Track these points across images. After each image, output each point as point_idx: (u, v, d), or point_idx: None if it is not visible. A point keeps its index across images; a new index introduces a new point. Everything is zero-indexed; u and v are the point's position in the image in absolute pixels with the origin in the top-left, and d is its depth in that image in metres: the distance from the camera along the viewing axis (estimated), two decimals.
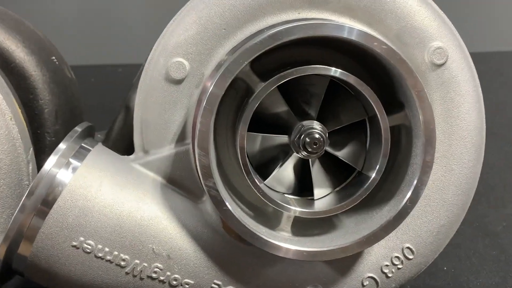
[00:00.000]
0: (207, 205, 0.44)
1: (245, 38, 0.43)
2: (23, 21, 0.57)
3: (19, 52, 0.52)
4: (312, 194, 0.45)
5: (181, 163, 0.44)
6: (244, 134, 0.40)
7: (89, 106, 0.59)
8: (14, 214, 0.39)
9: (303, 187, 0.46)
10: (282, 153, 0.45)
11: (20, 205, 0.40)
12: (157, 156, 0.45)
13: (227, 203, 0.40)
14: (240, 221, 0.40)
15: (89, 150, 0.44)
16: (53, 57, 0.56)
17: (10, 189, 0.43)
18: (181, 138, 0.45)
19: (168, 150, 0.45)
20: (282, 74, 0.40)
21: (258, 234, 0.40)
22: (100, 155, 0.44)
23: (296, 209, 0.42)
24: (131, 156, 0.45)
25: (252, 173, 0.41)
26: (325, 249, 0.40)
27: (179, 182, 0.44)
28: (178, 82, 0.44)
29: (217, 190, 0.40)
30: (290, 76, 0.40)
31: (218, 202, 0.40)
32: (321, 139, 0.41)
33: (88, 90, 0.62)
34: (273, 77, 0.40)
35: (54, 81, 0.53)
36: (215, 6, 0.43)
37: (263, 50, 0.39)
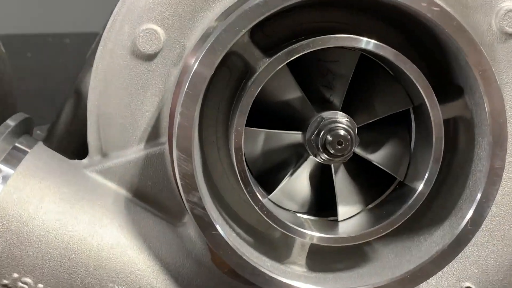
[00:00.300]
0: (190, 228, 0.44)
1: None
2: None
3: None
4: (334, 213, 0.45)
5: (153, 171, 0.45)
6: (241, 130, 0.40)
7: (24, 90, 0.60)
8: None
9: (322, 204, 0.46)
10: (293, 157, 0.45)
11: None
12: (120, 160, 0.45)
13: (217, 226, 0.40)
14: (236, 251, 0.40)
15: (25, 152, 0.44)
16: None
17: None
18: (153, 136, 0.45)
19: (135, 152, 0.45)
20: (294, 47, 0.40)
21: (260, 269, 0.39)
22: (41, 159, 0.44)
23: (313, 234, 0.42)
24: (84, 161, 0.46)
25: (252, 184, 0.41)
26: None
27: (151, 196, 0.45)
28: (150, 57, 0.44)
29: (204, 208, 0.40)
30: (305, 50, 0.40)
31: (205, 225, 0.40)
32: (348, 137, 0.41)
33: (23, 69, 0.61)
34: (282, 51, 0.40)
35: None
36: None
37: (268, 13, 0.39)
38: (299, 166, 0.44)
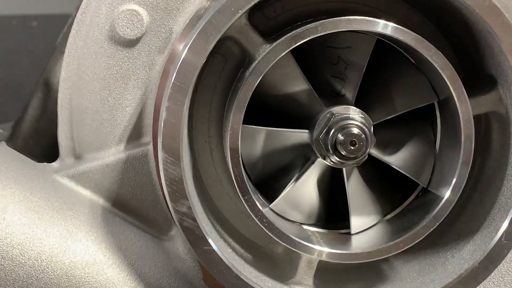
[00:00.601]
0: (178, 243, 0.44)
1: None
2: None
3: None
4: (347, 225, 0.44)
5: (135, 176, 0.44)
6: (238, 128, 0.40)
7: None
8: None
9: (332, 214, 0.46)
10: (299, 160, 0.45)
11: None
12: (96, 164, 0.44)
13: (210, 241, 0.39)
14: (232, 270, 0.39)
15: None
16: None
17: None
18: (135, 135, 0.44)
19: (114, 154, 0.44)
20: (299, 31, 0.39)
21: None
22: (2, 163, 0.43)
23: (322, 249, 0.41)
24: (54, 164, 0.45)
25: (250, 191, 0.40)
26: None
27: (133, 206, 0.44)
28: (131, 43, 0.43)
29: (194, 219, 0.39)
30: (312, 34, 0.39)
31: (196, 239, 0.39)
32: (363, 136, 0.40)
33: None
34: (285, 36, 0.39)
35: None
36: None
37: None
38: (305, 170, 0.44)
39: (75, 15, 0.45)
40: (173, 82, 0.38)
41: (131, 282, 0.42)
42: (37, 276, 0.41)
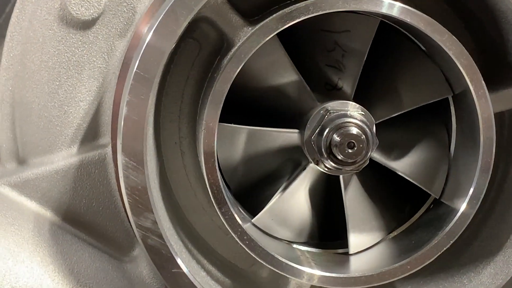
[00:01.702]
0: (141, 265, 0.44)
1: None
2: None
3: None
4: (344, 244, 0.45)
5: (90, 184, 0.44)
6: (213, 126, 0.39)
7: None
8: None
9: (327, 231, 0.46)
10: (287, 165, 0.45)
11: None
12: (43, 169, 0.44)
13: (179, 262, 0.39)
14: None
15: None
16: None
17: None
18: (90, 136, 0.44)
19: (65, 158, 0.44)
20: (287, 10, 0.39)
21: None
22: None
23: (313, 272, 0.41)
24: None
25: (228, 202, 0.40)
26: None
27: (87, 220, 0.44)
28: (86, 25, 0.43)
29: (160, 236, 0.39)
30: (303, 15, 0.39)
31: (163, 260, 0.39)
32: (363, 137, 0.40)
33: None
34: (270, 17, 0.39)
35: None
36: None
37: None
38: (295, 178, 0.44)
39: None
40: (135, 71, 0.38)
41: None
42: None
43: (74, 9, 0.42)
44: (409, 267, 0.42)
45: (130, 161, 0.38)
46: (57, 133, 0.44)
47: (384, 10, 0.39)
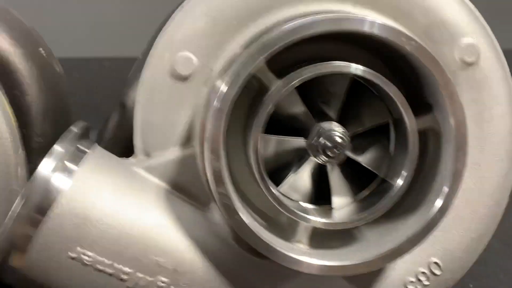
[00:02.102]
0: (215, 213, 0.46)
1: (259, 32, 0.45)
2: (7, 8, 0.58)
3: (4, 43, 0.53)
4: (329, 202, 0.47)
5: (186, 168, 0.47)
6: (257, 136, 0.43)
7: (73, 103, 0.60)
8: (4, 222, 0.40)
9: (320, 195, 0.48)
10: (298, 158, 0.47)
11: (10, 212, 0.41)
12: (160, 160, 0.47)
13: (240, 213, 0.42)
14: (254, 233, 0.42)
15: (85, 152, 0.45)
16: (41, 49, 0.57)
17: None
18: (186, 140, 0.47)
19: (172, 153, 0.47)
20: (301, 72, 0.43)
21: (274, 246, 0.42)
22: (98, 158, 0.47)
23: (316, 219, 0.44)
24: (132, 160, 0.48)
25: (266, 179, 0.44)
26: (348, 263, 0.42)
27: (185, 188, 0.47)
28: (185, 78, 0.46)
29: (229, 198, 0.42)
30: (310, 75, 0.43)
31: (230, 211, 0.42)
32: (342, 142, 0.44)
33: (72, 86, 0.62)
34: (291, 75, 0.43)
35: (43, 76, 0.55)
36: None
37: (284, 45, 0.41)
38: (301, 165, 0.46)
39: (141, 59, 0.47)
40: (215, 106, 0.41)
41: (185, 239, 0.44)
42: (122, 235, 0.43)
43: (179, 69, 0.45)
44: (368, 217, 0.44)
45: (213, 156, 0.41)
46: (168, 139, 0.46)
47: (353, 71, 0.42)
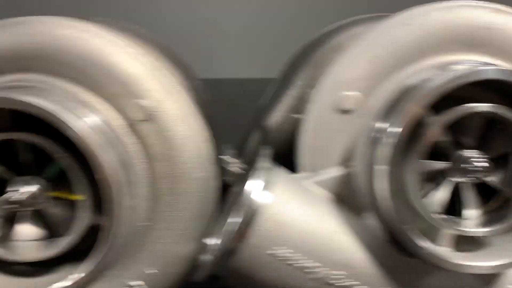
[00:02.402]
0: (370, 220, 0.42)
1: (408, 74, 0.42)
2: (165, 44, 0.51)
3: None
4: (454, 213, 0.42)
5: (347, 183, 0.43)
6: (418, 162, 0.39)
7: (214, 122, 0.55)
8: (222, 232, 0.37)
9: (451, 208, 0.42)
10: (439, 178, 0.42)
11: (226, 223, 0.38)
12: (325, 176, 0.44)
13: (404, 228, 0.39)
14: (414, 242, 0.38)
15: (272, 170, 0.42)
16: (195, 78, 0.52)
17: (201, 200, 0.41)
18: (346, 161, 0.44)
19: (335, 171, 0.44)
20: (454, 110, 0.38)
21: (433, 253, 0.38)
22: (281, 175, 0.44)
23: (463, 229, 0.40)
24: (300, 175, 0.44)
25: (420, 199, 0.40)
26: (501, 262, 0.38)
27: (346, 200, 0.43)
28: (348, 112, 0.43)
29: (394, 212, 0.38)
30: (462, 114, 0.39)
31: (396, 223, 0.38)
32: (485, 168, 0.39)
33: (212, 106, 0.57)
34: (447, 112, 0.39)
35: (200, 104, 0.50)
36: (386, 47, 0.42)
37: (448, 89, 0.37)
38: (442, 184, 0.41)
39: (278, 85, 0.45)
40: (388, 141, 0.36)
41: (352, 240, 0.40)
42: (308, 237, 0.39)
43: (344, 104, 0.42)
44: (501, 231, 0.39)
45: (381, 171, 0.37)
46: (331, 160, 0.43)
47: (494, 110, 0.37)
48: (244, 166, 0.50)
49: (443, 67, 0.39)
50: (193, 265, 0.39)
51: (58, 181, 0.35)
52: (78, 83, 0.35)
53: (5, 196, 0.33)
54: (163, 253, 0.38)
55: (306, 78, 0.49)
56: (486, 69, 0.36)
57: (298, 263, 0.39)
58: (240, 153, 0.54)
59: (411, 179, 0.38)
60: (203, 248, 0.39)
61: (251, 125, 0.55)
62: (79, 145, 0.32)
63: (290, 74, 0.51)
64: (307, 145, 0.43)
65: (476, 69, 0.36)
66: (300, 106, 0.47)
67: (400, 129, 0.37)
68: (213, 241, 0.39)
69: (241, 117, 0.58)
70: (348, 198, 0.43)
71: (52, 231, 0.36)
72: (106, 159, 0.32)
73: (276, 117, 0.50)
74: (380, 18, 0.45)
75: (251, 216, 0.38)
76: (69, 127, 0.31)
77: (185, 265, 0.39)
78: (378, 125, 0.40)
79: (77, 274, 0.34)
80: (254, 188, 0.39)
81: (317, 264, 0.39)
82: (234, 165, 0.48)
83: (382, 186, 0.37)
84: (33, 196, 0.34)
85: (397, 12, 0.42)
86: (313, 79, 0.46)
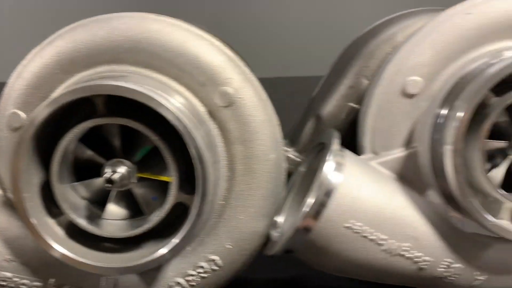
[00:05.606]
0: (434, 197, 0.46)
1: (468, 61, 0.45)
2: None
3: None
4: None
5: (410, 163, 0.46)
6: (482, 142, 0.42)
7: None
8: (302, 209, 0.41)
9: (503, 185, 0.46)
10: (498, 156, 0.45)
11: (311, 193, 0.42)
12: (389, 157, 0.47)
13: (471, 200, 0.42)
14: (482, 214, 0.42)
15: (342, 152, 0.46)
16: None
17: (273, 180, 0.44)
18: (408, 143, 0.47)
19: (397, 152, 0.47)
20: None
21: (499, 224, 0.41)
22: (351, 156, 0.47)
23: None
24: (365, 157, 0.48)
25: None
26: None
27: (407, 178, 0.46)
28: (412, 96, 0.46)
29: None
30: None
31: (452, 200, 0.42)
32: None
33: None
34: (506, 95, 0.42)
35: None
36: (447, 35, 0.46)
37: (508, 73, 0.41)
38: (501, 162, 0.44)
39: (327, 79, 0.48)
40: (456, 125, 0.40)
41: (418, 215, 0.44)
42: (380, 212, 0.43)
43: (408, 89, 0.45)
44: None
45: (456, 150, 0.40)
46: (393, 142, 0.46)
47: None
48: (298, 154, 0.52)
49: (503, 52, 0.43)
50: (266, 240, 0.42)
51: (143, 164, 0.38)
52: (164, 73, 0.38)
53: (105, 176, 0.36)
54: (238, 229, 0.40)
55: (360, 69, 0.50)
56: None
57: (372, 236, 0.42)
58: (292, 142, 0.56)
59: (476, 157, 0.41)
60: (274, 225, 0.43)
61: (304, 116, 0.56)
62: (174, 124, 0.34)
63: (343, 64, 0.52)
64: (370, 127, 0.46)
65: None
66: (354, 95, 0.50)
67: (465, 113, 0.40)
68: (283, 219, 0.43)
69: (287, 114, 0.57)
70: (410, 177, 0.46)
71: (136, 210, 0.38)
72: (199, 138, 0.34)
73: (331, 106, 0.52)
74: (429, 12, 0.49)
75: (329, 193, 0.41)
76: (165, 107, 0.34)
77: (258, 241, 0.42)
78: (444, 109, 0.43)
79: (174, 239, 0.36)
80: (330, 168, 0.42)
81: (387, 236, 0.43)
82: (289, 152, 0.51)
83: (450, 164, 0.41)
84: (124, 177, 0.36)
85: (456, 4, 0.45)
86: (367, 69, 0.49)
